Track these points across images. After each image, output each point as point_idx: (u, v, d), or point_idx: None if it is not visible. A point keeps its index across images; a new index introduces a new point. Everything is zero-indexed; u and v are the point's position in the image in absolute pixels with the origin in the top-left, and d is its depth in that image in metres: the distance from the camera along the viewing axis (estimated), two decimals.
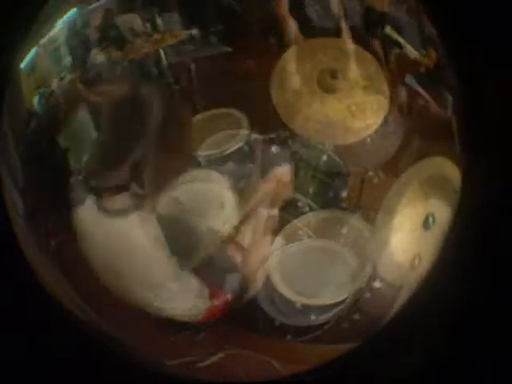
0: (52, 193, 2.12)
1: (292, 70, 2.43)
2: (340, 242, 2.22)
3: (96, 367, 1.73)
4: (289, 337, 2.17)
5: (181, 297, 1.95)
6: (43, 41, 2.06)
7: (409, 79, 2.26)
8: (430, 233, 1.89)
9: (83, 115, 2.24)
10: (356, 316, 2.08)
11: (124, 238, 1.78)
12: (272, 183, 2.29)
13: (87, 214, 1.82)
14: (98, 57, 2.33)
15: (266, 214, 2.21)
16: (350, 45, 2.35)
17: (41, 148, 2.12)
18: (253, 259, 2.17)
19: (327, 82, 2.34)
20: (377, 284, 2.07)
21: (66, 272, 1.94)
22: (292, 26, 2.42)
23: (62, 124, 2.17)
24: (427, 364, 1.62)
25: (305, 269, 2.18)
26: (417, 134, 2.38)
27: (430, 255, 1.85)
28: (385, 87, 2.31)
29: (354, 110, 2.34)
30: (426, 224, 1.89)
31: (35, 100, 2.09)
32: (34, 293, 1.74)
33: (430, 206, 1.91)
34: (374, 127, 2.34)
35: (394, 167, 2.57)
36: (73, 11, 2.18)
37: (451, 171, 1.88)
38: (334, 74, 2.35)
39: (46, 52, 2.11)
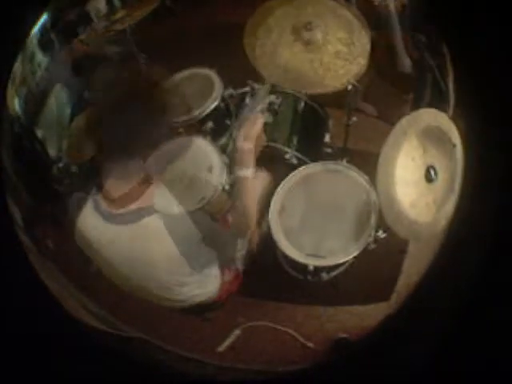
0: (41, 190, 2.09)
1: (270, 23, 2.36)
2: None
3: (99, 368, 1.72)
4: (323, 275, 2.16)
5: (195, 282, 1.92)
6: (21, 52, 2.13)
7: None
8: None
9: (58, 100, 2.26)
10: None
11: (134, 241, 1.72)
12: (252, 142, 2.21)
13: (90, 220, 1.75)
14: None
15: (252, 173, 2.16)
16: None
17: (23, 145, 2.16)
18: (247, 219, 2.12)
19: (302, 33, 2.27)
20: (381, 234, 2.05)
21: (68, 273, 1.92)
22: None
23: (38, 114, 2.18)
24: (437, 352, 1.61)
25: (309, 218, 2.15)
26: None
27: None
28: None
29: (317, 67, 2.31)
30: (428, 177, 1.86)
31: (16, 103, 2.16)
32: (36, 294, 1.71)
33: (429, 157, 1.87)
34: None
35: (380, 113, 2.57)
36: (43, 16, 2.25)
37: (446, 123, 1.85)
38: (308, 26, 2.27)
39: (22, 58, 2.18)
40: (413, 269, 2.25)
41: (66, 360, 1.62)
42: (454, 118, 1.83)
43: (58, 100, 2.33)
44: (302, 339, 2.19)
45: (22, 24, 1.84)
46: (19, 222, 1.90)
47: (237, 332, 2.20)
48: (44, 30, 2.28)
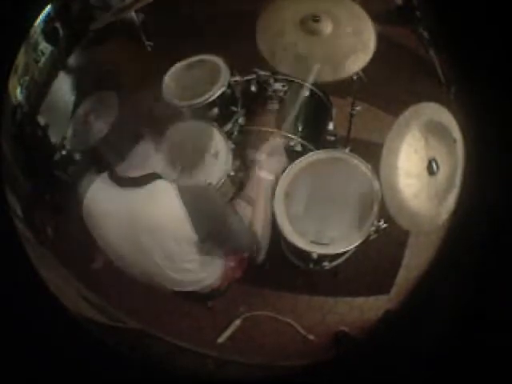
0: (42, 177, 2.09)
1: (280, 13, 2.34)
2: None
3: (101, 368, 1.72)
4: (325, 264, 2.15)
5: (199, 265, 1.89)
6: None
7: None
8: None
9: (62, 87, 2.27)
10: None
11: (145, 211, 1.68)
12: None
13: (99, 191, 1.71)
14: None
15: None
16: None
17: (25, 133, 2.19)
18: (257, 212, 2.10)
19: (310, 25, 2.24)
20: (382, 225, 2.05)
21: (67, 261, 1.92)
22: None
23: (41, 101, 2.19)
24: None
25: (313, 205, 2.14)
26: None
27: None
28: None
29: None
30: (430, 169, 1.85)
31: (18, 92, 2.19)
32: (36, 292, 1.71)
33: (431, 150, 1.86)
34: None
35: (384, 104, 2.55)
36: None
37: (447, 118, 1.84)
38: (316, 18, 2.24)
39: (25, 48, 2.24)
40: (413, 262, 2.26)
41: (65, 357, 1.63)
42: (454, 113, 1.82)
43: (62, 87, 2.33)
44: (302, 331, 2.20)
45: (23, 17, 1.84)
46: (18, 211, 1.90)
47: (237, 322, 2.21)
48: (48, 19, 2.29)
